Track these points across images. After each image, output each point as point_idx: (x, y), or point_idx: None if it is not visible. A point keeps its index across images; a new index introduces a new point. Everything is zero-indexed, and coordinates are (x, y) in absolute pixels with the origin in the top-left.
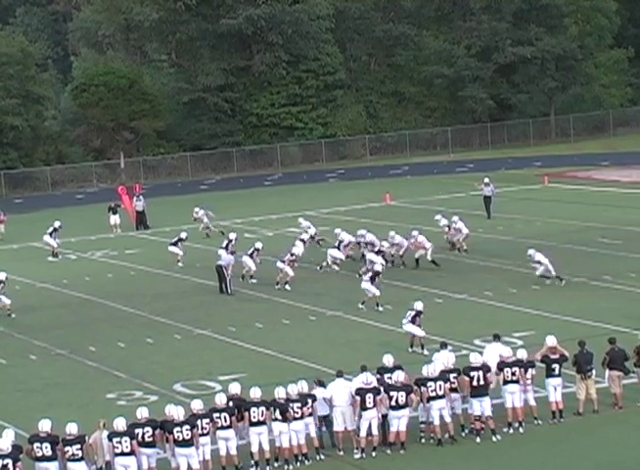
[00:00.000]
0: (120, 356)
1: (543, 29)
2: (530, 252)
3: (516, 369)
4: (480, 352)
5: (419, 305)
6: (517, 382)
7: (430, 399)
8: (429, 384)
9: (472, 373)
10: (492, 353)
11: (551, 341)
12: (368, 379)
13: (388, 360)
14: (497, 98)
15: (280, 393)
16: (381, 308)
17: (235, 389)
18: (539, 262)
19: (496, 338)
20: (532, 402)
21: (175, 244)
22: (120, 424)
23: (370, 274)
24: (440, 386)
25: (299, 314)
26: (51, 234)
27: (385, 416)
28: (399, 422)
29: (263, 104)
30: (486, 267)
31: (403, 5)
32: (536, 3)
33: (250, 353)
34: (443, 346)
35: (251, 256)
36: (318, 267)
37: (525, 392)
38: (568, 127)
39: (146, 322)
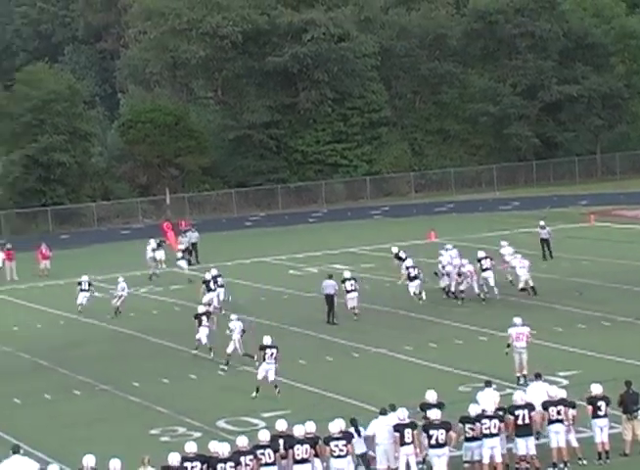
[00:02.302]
0: (164, 392)
1: (589, 68)
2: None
3: (561, 408)
4: (524, 391)
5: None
6: (562, 421)
7: (483, 436)
8: (483, 421)
9: (517, 412)
10: (535, 393)
11: (596, 389)
12: (403, 414)
13: (432, 397)
14: (543, 136)
15: (311, 427)
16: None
17: (281, 426)
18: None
19: (538, 377)
20: (575, 443)
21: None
22: (176, 459)
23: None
24: (495, 424)
25: (343, 351)
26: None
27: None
28: (439, 461)
29: (308, 141)
30: (532, 306)
31: (449, 43)
32: (582, 42)
33: (293, 390)
34: (487, 384)
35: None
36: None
37: (567, 432)
38: (614, 166)
39: (189, 358)
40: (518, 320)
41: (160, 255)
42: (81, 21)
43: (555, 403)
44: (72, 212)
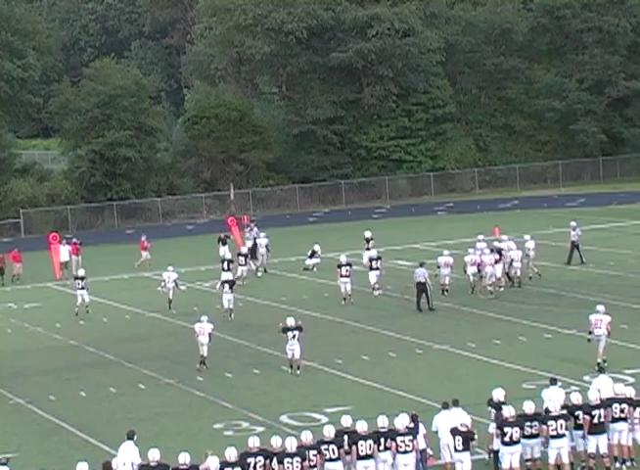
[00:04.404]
0: (227, 387)
1: None
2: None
3: (625, 406)
4: (597, 390)
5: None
6: (625, 420)
7: (550, 437)
8: (549, 422)
9: (593, 412)
10: (599, 387)
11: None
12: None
13: (499, 395)
14: (609, 132)
15: (384, 421)
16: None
17: (346, 422)
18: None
19: (601, 371)
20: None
21: None
22: (233, 454)
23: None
24: (562, 424)
25: (406, 347)
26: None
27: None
28: (512, 458)
29: (372, 137)
30: (597, 303)
31: (515, 38)
32: None
33: (356, 386)
34: (553, 382)
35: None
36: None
37: (633, 431)
38: None
39: (253, 353)
40: (600, 308)
41: (225, 250)
42: (148, 17)
43: (619, 401)
44: (138, 207)
